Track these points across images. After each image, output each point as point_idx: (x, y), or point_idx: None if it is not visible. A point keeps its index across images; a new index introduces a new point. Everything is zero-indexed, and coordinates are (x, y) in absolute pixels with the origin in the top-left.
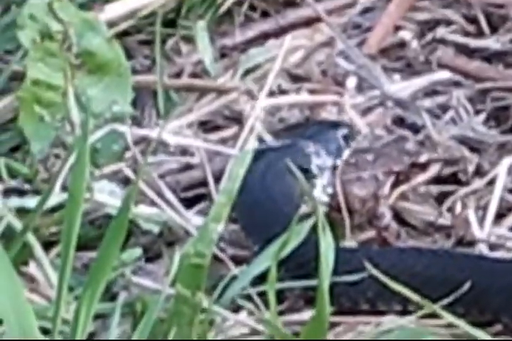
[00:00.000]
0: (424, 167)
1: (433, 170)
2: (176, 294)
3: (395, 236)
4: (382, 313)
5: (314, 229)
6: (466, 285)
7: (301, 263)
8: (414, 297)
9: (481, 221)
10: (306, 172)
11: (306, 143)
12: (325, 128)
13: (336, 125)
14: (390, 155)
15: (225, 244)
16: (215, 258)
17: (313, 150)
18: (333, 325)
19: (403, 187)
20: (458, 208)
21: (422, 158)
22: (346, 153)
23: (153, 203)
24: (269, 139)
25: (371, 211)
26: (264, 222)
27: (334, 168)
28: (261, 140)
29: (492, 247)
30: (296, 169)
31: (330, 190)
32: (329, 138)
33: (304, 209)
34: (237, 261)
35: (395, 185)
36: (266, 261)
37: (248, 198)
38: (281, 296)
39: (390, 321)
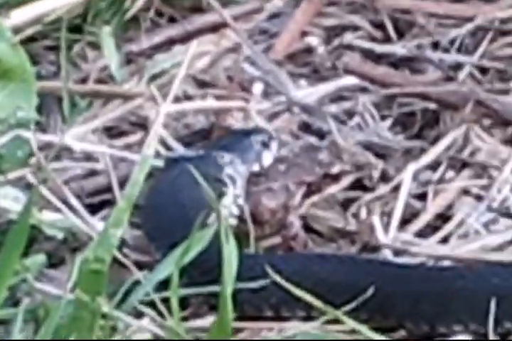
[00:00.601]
0: (336, 177)
1: (346, 181)
2: (76, 299)
3: (303, 246)
4: (285, 319)
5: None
6: (370, 291)
7: (204, 269)
8: (317, 303)
9: (386, 226)
10: (219, 181)
11: (220, 153)
12: (239, 136)
13: (249, 132)
14: (302, 165)
15: (128, 249)
16: (119, 263)
17: (228, 159)
18: (237, 330)
19: (315, 198)
20: (363, 214)
21: (335, 169)
22: (268, 157)
23: (57, 209)
24: (178, 147)
25: (281, 221)
26: (169, 228)
27: (255, 175)
28: (168, 147)
29: (397, 253)
30: (204, 178)
31: (241, 201)
32: (244, 146)
33: (212, 218)
34: (141, 266)
35: (307, 195)
36: (169, 266)
37: (154, 204)
38: (184, 302)
39: (293, 327)
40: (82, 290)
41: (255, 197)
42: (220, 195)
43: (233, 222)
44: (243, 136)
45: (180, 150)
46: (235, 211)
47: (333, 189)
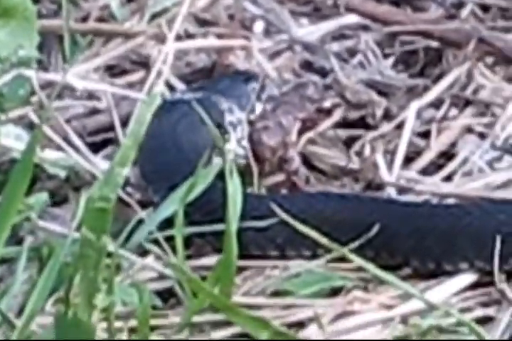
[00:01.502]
0: (329, 112)
1: (337, 114)
2: (82, 238)
3: (304, 181)
4: (290, 258)
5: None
6: (375, 229)
7: (208, 209)
8: (324, 240)
9: (390, 164)
10: (219, 127)
11: (219, 98)
12: (236, 82)
13: (246, 79)
14: (291, 102)
15: (131, 188)
16: (122, 202)
17: (227, 106)
18: (241, 269)
19: (310, 134)
20: (367, 152)
21: (326, 104)
22: (259, 107)
23: (59, 148)
24: (178, 86)
25: (281, 158)
26: (167, 171)
27: (248, 122)
28: (170, 86)
29: (401, 191)
30: (211, 122)
31: (245, 143)
32: (241, 93)
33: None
34: (145, 205)
35: (302, 131)
36: (173, 204)
37: (153, 146)
38: (188, 241)
39: (298, 265)
40: (87, 228)
41: (254, 136)
42: (224, 140)
43: (241, 161)
44: (241, 83)
45: (178, 91)
46: (241, 151)
47: (326, 123)
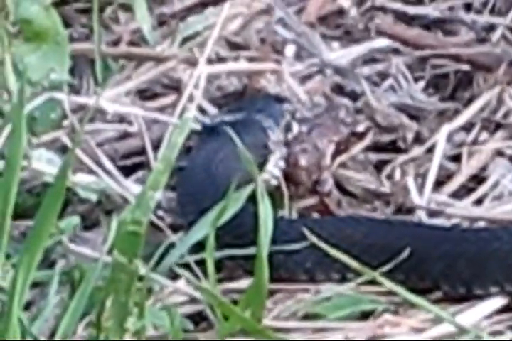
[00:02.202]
0: (361, 136)
1: (369, 138)
2: (113, 261)
3: (336, 204)
4: (319, 281)
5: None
6: (405, 252)
7: (239, 232)
8: (354, 264)
9: (421, 188)
10: (265, 148)
11: (261, 117)
12: (270, 102)
13: (278, 99)
14: (325, 125)
15: (163, 212)
16: (154, 226)
17: (268, 125)
18: (272, 292)
19: (343, 156)
20: (397, 175)
21: (360, 127)
22: (296, 128)
23: (91, 171)
24: (209, 109)
25: (315, 181)
26: (200, 195)
27: (285, 142)
28: (201, 110)
29: (431, 214)
30: (251, 144)
31: (282, 164)
32: (277, 113)
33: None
34: (176, 229)
35: (335, 154)
36: (204, 228)
37: (191, 171)
38: (219, 265)
39: (328, 288)
40: (119, 252)
41: (292, 158)
42: (265, 161)
43: (274, 182)
44: (275, 103)
45: (215, 115)
46: (277, 172)
47: (359, 147)
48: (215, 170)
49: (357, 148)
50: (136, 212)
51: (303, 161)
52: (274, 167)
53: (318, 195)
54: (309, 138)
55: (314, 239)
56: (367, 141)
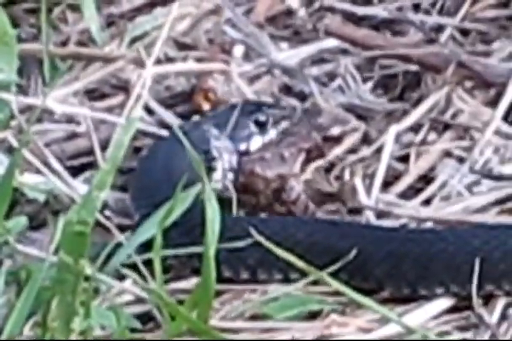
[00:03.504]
0: (337, 139)
1: (349, 141)
2: (59, 262)
3: (303, 210)
4: (264, 281)
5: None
6: (351, 253)
7: (185, 231)
8: (300, 263)
9: (369, 188)
10: (207, 153)
11: (209, 126)
12: (237, 111)
13: (254, 110)
14: (299, 133)
15: (110, 212)
16: (101, 226)
17: (215, 134)
18: (219, 293)
19: (319, 162)
20: (346, 176)
21: (334, 131)
22: (258, 141)
23: (38, 172)
24: (157, 110)
25: (277, 190)
26: (151, 191)
27: (242, 153)
28: (149, 110)
29: (380, 214)
30: (195, 149)
31: (231, 175)
32: (238, 124)
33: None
34: (123, 229)
35: (307, 161)
36: (151, 228)
37: (143, 168)
38: (166, 265)
39: (275, 289)
40: (65, 252)
41: (248, 167)
42: (210, 168)
43: (218, 186)
44: (242, 114)
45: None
46: (225, 180)
47: (337, 151)
48: (170, 168)
49: (335, 152)
50: (82, 212)
51: (258, 169)
52: (222, 177)
53: (283, 203)
54: (273, 147)
55: (258, 237)
56: (346, 144)
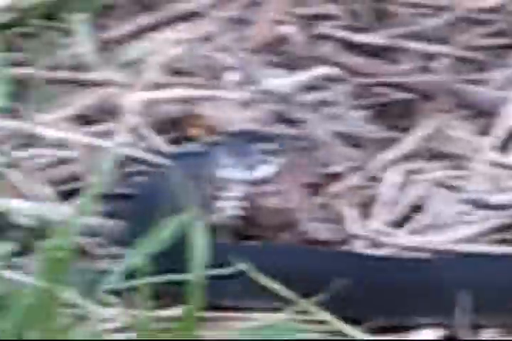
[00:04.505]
0: (337, 176)
1: (350, 179)
2: (38, 288)
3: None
4: (251, 309)
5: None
6: (339, 282)
7: (172, 258)
8: (287, 293)
9: (359, 216)
10: (212, 182)
11: (221, 153)
12: (246, 140)
13: (259, 138)
14: (299, 165)
15: (98, 239)
16: (85, 252)
17: (227, 162)
18: (201, 320)
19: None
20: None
21: (338, 168)
22: (265, 169)
23: (27, 197)
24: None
25: (283, 223)
26: (144, 217)
27: (248, 182)
28: (139, 136)
29: (369, 244)
30: (197, 176)
31: (239, 205)
32: (247, 152)
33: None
34: (111, 256)
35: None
36: (138, 255)
37: (141, 194)
38: (154, 292)
39: (260, 317)
40: (45, 278)
41: (254, 200)
42: (215, 197)
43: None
44: (248, 141)
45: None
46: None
47: (337, 187)
48: (171, 192)
49: (335, 188)
50: (63, 238)
51: (264, 204)
52: (230, 207)
53: (290, 235)
54: (277, 181)
55: (244, 265)
56: (346, 182)
